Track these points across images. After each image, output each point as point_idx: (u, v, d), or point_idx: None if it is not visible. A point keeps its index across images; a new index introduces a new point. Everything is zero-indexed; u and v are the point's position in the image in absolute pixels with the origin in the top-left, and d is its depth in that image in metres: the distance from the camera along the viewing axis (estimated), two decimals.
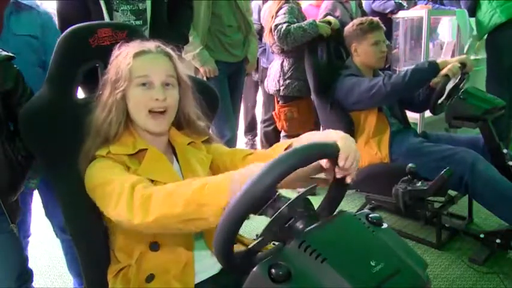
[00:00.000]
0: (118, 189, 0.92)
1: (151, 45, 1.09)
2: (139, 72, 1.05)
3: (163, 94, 1.05)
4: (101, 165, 1.03)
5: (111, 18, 1.73)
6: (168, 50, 1.11)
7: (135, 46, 1.09)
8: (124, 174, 0.99)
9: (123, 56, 1.07)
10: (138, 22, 1.78)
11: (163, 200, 0.85)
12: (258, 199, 0.68)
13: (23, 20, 1.44)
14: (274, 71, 2.83)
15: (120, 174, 0.99)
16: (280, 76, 2.78)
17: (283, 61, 2.79)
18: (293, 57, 2.73)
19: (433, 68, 2.04)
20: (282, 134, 2.98)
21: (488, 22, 3.09)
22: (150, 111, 1.06)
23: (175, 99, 1.10)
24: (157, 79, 1.06)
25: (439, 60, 2.07)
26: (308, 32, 2.51)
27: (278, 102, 2.87)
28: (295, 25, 2.55)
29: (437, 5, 3.54)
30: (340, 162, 0.82)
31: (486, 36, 3.20)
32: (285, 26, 2.56)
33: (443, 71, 2.03)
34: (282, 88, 2.78)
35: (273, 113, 2.93)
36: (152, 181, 1.03)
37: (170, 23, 1.92)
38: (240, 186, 0.72)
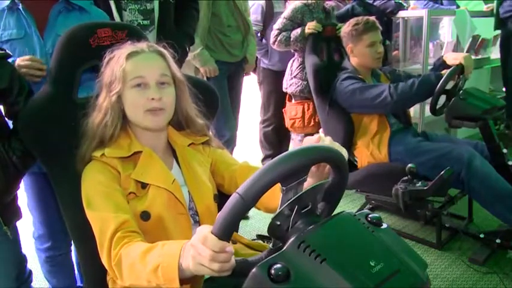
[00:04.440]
0: (99, 233, 0.98)
1: (143, 45, 1.10)
2: (133, 74, 1.05)
3: (159, 93, 1.05)
4: (93, 178, 1.04)
5: (120, 17, 1.75)
6: (161, 48, 1.11)
7: (127, 48, 1.09)
8: (106, 213, 0.98)
9: (116, 59, 1.07)
10: (145, 22, 1.80)
11: (129, 271, 0.90)
12: (256, 200, 0.69)
13: (71, 21, 1.39)
14: (287, 69, 2.89)
15: (104, 207, 0.99)
16: (289, 74, 2.84)
17: (294, 60, 2.84)
18: (302, 58, 2.75)
19: (438, 78, 2.03)
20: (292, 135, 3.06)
21: None
22: (147, 110, 1.06)
23: (171, 97, 1.10)
24: (151, 79, 1.06)
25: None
26: (293, 41, 2.67)
27: (290, 99, 2.92)
28: (282, 35, 2.68)
29: (431, 3, 3.53)
30: None
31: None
32: (276, 32, 2.71)
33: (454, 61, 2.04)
34: (288, 86, 2.84)
35: (283, 110, 2.97)
36: (146, 184, 1.05)
37: (176, 24, 1.94)
38: (190, 264, 0.76)
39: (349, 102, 2.19)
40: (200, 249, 0.72)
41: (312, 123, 2.78)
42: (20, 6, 1.39)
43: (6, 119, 1.28)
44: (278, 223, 0.75)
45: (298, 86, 2.77)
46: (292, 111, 2.83)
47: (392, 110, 2.17)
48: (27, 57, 1.29)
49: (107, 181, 1.03)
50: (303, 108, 2.78)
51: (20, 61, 1.30)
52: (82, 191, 1.05)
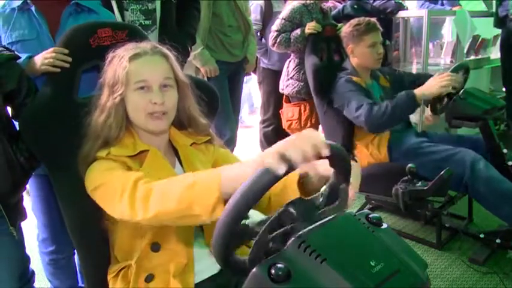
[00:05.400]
0: (120, 188, 0.94)
1: (146, 46, 1.08)
2: (137, 77, 1.04)
3: (162, 97, 1.05)
4: (102, 167, 1.03)
5: (122, 17, 1.76)
6: (165, 50, 1.10)
7: (130, 48, 1.07)
8: (125, 173, 0.99)
9: (118, 59, 1.06)
10: (147, 22, 1.81)
11: (160, 197, 0.88)
12: (256, 199, 0.69)
13: (81, 22, 1.37)
14: (284, 69, 2.88)
15: (121, 173, 0.99)
16: (285, 75, 2.83)
17: (290, 61, 2.82)
18: (299, 59, 2.75)
19: (412, 100, 2.00)
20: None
21: None
22: (149, 114, 1.06)
23: (173, 100, 1.10)
24: (154, 82, 1.05)
25: (418, 91, 2.01)
26: (293, 42, 2.65)
27: (287, 101, 2.91)
28: (281, 36, 2.67)
29: (427, 3, 3.53)
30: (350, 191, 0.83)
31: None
32: (275, 34, 2.70)
33: (438, 89, 1.99)
34: (284, 88, 2.82)
35: (280, 111, 2.96)
36: None
37: (178, 24, 1.94)
38: (230, 183, 0.75)
39: (340, 105, 2.22)
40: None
41: (309, 124, 2.77)
42: (33, 8, 1.39)
43: (13, 120, 1.28)
44: (291, 209, 0.76)
45: (294, 87, 2.76)
46: (288, 112, 2.83)
47: (370, 131, 2.13)
48: (50, 49, 1.24)
49: (118, 170, 1.02)
50: (300, 110, 2.77)
51: (45, 54, 1.25)
52: (89, 182, 1.03)
